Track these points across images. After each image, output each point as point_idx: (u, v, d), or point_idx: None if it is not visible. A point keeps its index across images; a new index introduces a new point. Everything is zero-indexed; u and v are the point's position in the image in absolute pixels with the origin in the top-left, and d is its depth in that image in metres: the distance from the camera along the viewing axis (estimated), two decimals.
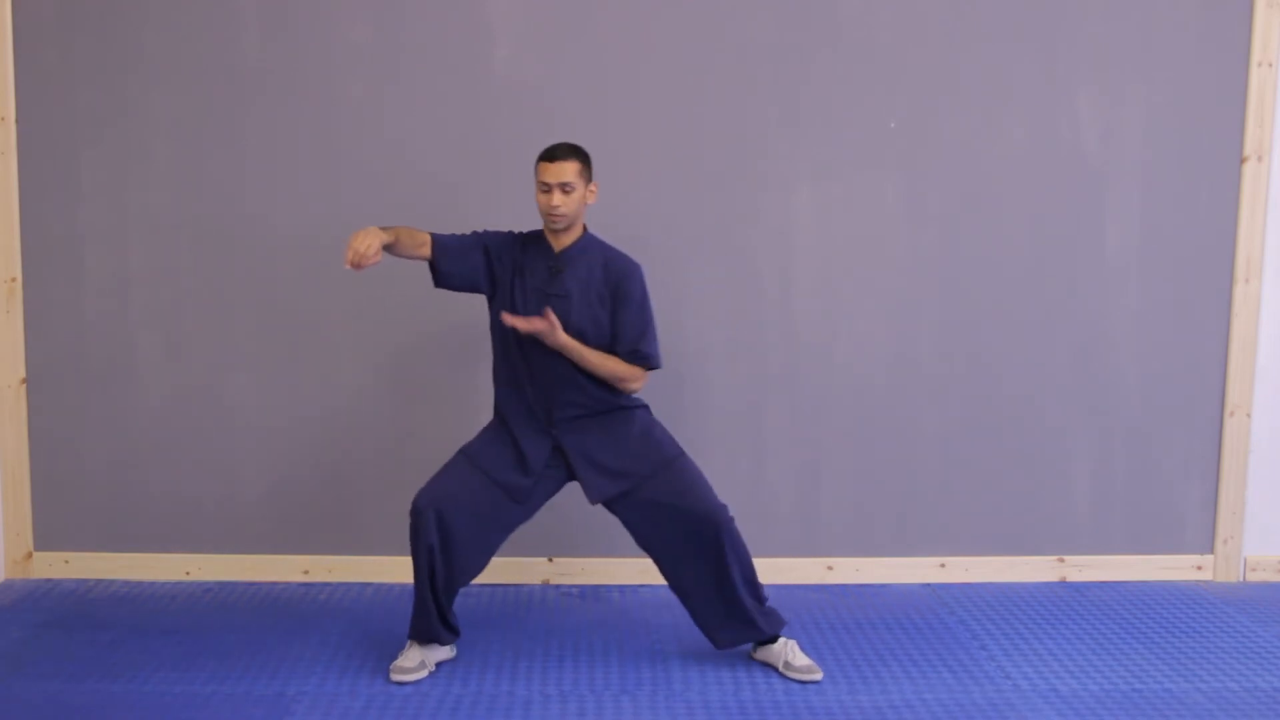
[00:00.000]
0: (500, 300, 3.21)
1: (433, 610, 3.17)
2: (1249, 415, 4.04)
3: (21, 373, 3.90)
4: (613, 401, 3.21)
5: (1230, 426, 4.04)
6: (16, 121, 3.81)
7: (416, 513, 3.12)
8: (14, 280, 3.86)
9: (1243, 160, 3.96)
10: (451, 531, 3.11)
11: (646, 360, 3.20)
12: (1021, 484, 4.04)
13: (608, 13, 3.84)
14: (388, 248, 3.03)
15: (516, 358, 3.19)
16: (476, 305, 3.86)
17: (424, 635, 3.22)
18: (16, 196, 3.83)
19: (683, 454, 3.24)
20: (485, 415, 3.92)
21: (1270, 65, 3.91)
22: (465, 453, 3.24)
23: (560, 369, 3.15)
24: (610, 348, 3.18)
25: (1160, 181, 3.96)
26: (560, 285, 3.15)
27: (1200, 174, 3.96)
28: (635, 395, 3.26)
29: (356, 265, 2.91)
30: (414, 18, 3.82)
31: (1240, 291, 3.99)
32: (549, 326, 3.03)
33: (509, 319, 3.04)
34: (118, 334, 3.89)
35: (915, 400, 3.99)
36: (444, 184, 3.83)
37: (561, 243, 3.19)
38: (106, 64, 3.81)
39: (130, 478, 3.93)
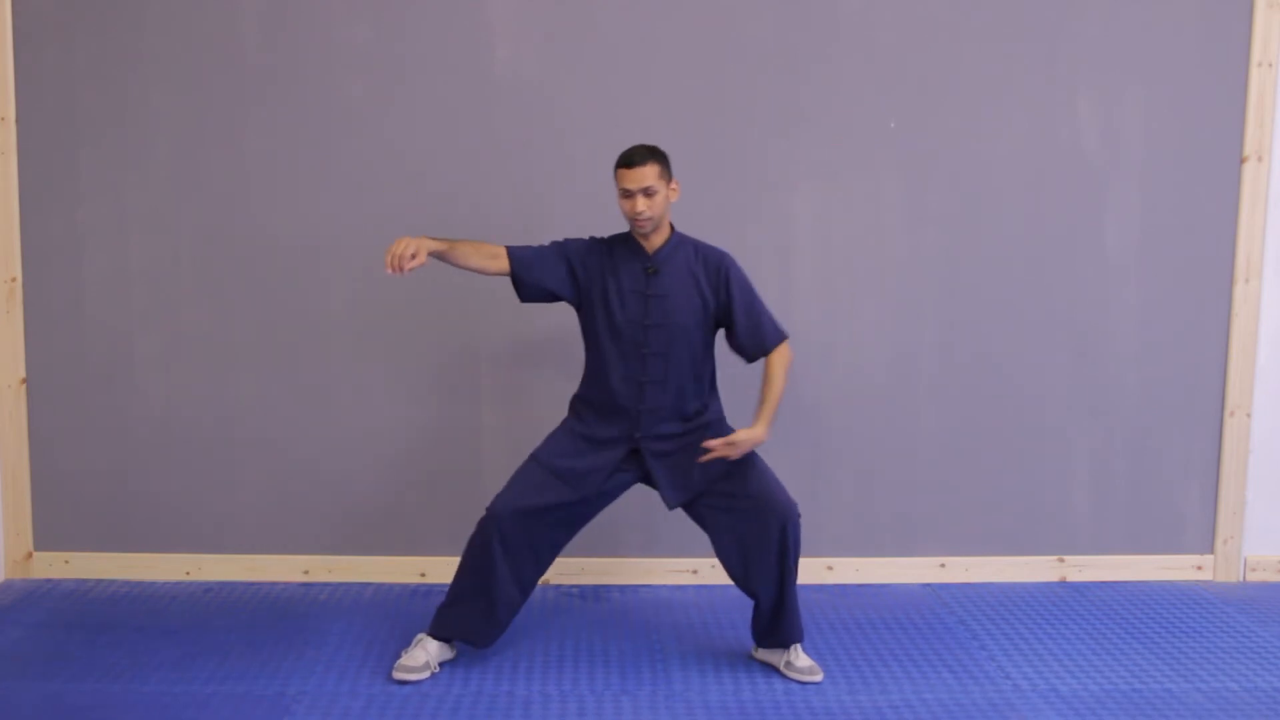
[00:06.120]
0: (593, 305, 3.19)
1: (477, 610, 3.18)
2: (1249, 415, 4.04)
3: (21, 373, 3.90)
4: (703, 419, 3.24)
5: (1230, 426, 4.03)
6: (16, 121, 3.81)
7: (494, 519, 3.13)
8: (14, 280, 3.86)
9: (1243, 160, 3.96)
10: (527, 536, 3.15)
11: (779, 336, 3.23)
12: (1021, 484, 4.04)
13: (608, 13, 3.84)
14: (440, 256, 3.04)
15: (635, 365, 3.16)
16: (473, 306, 3.88)
17: (455, 633, 3.22)
18: (16, 196, 3.83)
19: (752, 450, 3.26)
20: (485, 417, 3.93)
21: (1270, 65, 3.91)
22: (538, 459, 3.22)
23: (678, 379, 3.18)
24: (719, 335, 3.27)
25: (1160, 181, 3.96)
26: (658, 286, 3.16)
27: (1200, 174, 3.96)
28: (716, 409, 3.30)
29: (396, 269, 2.90)
30: (414, 18, 3.82)
31: (1240, 291, 3.99)
32: (735, 449, 3.08)
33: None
34: (118, 334, 3.89)
35: (915, 400, 3.99)
36: (444, 184, 3.83)
37: (653, 243, 3.19)
38: (106, 64, 3.81)
39: (130, 478, 3.93)
